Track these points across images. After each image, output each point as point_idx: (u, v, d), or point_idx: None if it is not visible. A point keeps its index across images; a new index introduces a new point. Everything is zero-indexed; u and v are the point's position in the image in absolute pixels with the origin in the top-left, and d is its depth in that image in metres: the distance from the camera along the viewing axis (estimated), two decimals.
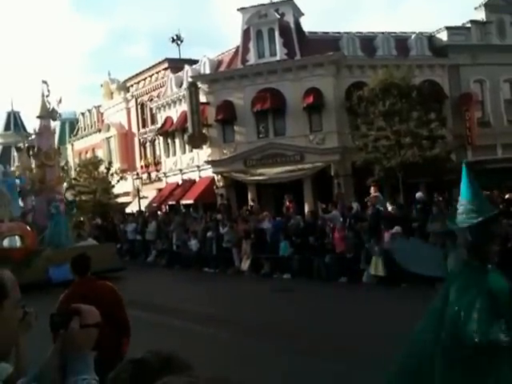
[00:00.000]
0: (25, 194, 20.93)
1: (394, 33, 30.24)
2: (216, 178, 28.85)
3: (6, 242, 18.36)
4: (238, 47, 29.56)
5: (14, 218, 19.37)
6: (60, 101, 21.24)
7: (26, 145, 52.76)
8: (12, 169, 22.21)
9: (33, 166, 21.63)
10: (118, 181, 34.81)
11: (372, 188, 18.18)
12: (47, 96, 21.12)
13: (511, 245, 13.06)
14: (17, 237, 18.57)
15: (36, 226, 19.59)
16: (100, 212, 30.91)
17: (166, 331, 10.55)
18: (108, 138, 40.57)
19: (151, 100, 36.68)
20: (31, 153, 21.73)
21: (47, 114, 21.17)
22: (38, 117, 21.32)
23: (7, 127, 56.95)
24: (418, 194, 18.67)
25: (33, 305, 2.10)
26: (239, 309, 12.77)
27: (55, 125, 27.59)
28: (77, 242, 19.79)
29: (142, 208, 30.12)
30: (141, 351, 1.41)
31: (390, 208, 15.92)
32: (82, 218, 24.15)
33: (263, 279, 17.51)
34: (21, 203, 21.16)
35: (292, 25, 28.48)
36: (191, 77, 30.21)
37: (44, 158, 20.63)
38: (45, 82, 21.08)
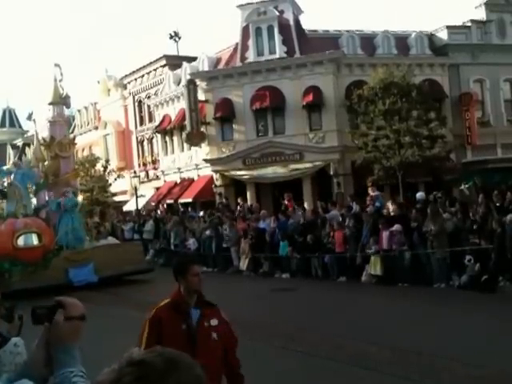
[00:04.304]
0: (38, 189, 19.16)
1: (394, 31, 30.14)
2: (215, 176, 28.70)
3: (21, 241, 16.50)
4: (236, 44, 29.38)
5: (28, 214, 17.68)
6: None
7: (22, 142, 52.31)
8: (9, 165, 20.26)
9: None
10: (116, 179, 34.61)
11: (370, 188, 18.08)
12: (60, 80, 19.35)
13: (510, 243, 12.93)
14: (33, 234, 16.75)
15: (51, 223, 17.85)
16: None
17: None
18: (105, 136, 40.37)
19: (149, 97, 36.47)
20: (44, 143, 19.84)
21: (60, 100, 19.43)
22: (49, 103, 19.64)
23: (2, 124, 56.71)
24: (419, 194, 18.58)
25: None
26: (238, 308, 12.59)
27: (69, 112, 25.09)
28: (97, 241, 18.56)
29: (140, 207, 29.94)
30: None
31: (391, 208, 15.79)
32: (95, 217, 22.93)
33: (262, 278, 17.38)
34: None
35: (291, 22, 28.33)
36: (189, 74, 30.02)
37: (58, 149, 18.86)
38: (57, 66, 19.36)
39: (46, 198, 19.12)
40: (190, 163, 31.11)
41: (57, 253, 16.91)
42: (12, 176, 18.75)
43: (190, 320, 3.83)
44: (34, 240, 16.73)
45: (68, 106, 20.81)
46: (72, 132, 46.74)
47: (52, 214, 18.23)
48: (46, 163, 19.73)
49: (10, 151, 51.97)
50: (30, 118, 21.22)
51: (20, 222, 16.86)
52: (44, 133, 22.70)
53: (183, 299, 3.88)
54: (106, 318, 12.02)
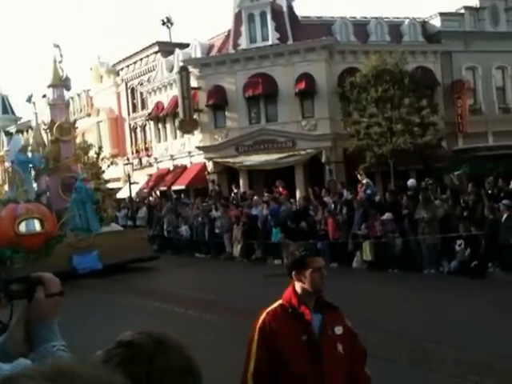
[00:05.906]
0: (38, 173, 18.56)
1: (388, 18, 30.07)
2: (207, 163, 28.71)
3: (23, 227, 15.90)
4: (229, 31, 29.23)
5: (30, 200, 17.02)
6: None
7: (15, 129, 51.88)
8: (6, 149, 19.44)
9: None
10: (109, 166, 34.51)
11: (359, 176, 18.14)
12: (60, 62, 18.85)
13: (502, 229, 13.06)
14: (35, 220, 16.13)
15: (52, 208, 17.28)
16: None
17: (156, 316, 10.49)
18: (98, 123, 40.17)
19: (141, 84, 36.28)
20: (44, 127, 19.32)
21: (60, 82, 18.96)
22: (49, 86, 19.22)
23: None
24: (410, 181, 18.70)
25: None
26: (231, 294, 12.72)
27: (68, 96, 24.15)
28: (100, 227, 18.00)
29: (133, 194, 29.93)
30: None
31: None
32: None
33: (255, 265, 17.50)
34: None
35: (284, 9, 28.18)
36: (182, 61, 29.88)
37: (58, 133, 18.34)
38: (57, 46, 18.88)
39: (47, 183, 18.65)
40: (182, 150, 31.08)
41: (59, 239, 16.45)
42: (12, 160, 18.25)
43: (311, 329, 3.08)
44: (37, 226, 16.16)
45: (68, 89, 20.12)
46: None
47: (55, 199, 17.76)
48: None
49: (4, 138, 51.67)
50: (29, 100, 20.54)
51: (21, 208, 16.20)
52: (42, 118, 22.31)
53: (302, 302, 3.14)
54: (110, 305, 12.11)
